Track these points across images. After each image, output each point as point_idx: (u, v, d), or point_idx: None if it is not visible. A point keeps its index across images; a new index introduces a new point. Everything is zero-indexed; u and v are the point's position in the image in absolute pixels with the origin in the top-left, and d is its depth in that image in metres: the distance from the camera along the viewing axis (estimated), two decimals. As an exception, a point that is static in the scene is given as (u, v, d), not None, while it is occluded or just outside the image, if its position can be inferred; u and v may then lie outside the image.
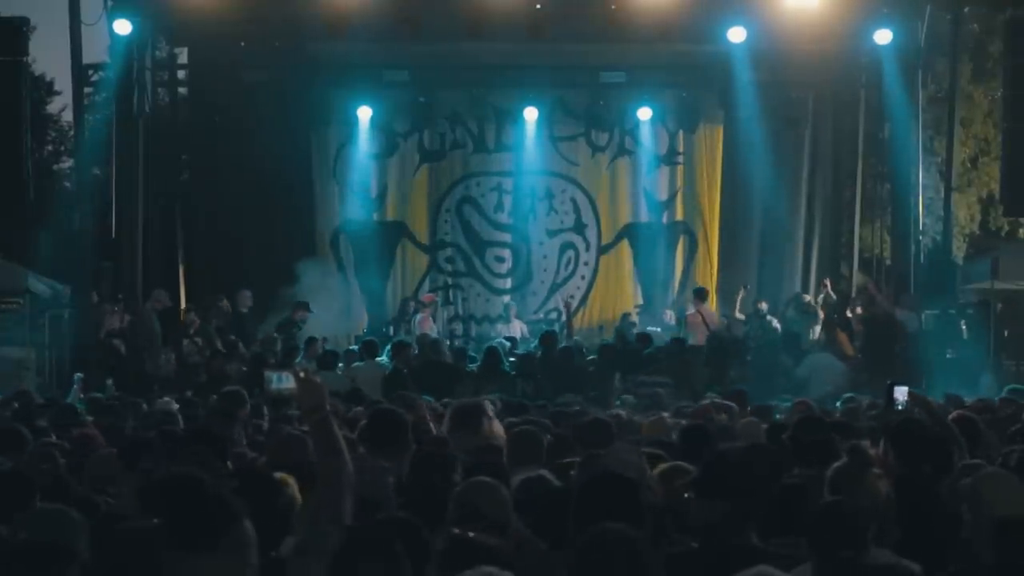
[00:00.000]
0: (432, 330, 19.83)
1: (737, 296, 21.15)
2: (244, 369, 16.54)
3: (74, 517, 4.33)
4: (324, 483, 4.88)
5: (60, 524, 4.27)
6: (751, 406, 11.48)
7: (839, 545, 4.97)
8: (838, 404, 12.15)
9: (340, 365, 16.78)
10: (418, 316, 20.66)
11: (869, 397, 12.54)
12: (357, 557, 4.12)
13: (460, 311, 22.98)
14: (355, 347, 18.21)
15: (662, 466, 5.99)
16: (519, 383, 16.04)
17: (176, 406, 11.25)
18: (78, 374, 14.64)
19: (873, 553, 5.22)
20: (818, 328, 20.41)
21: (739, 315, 20.69)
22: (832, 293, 21.20)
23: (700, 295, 20.82)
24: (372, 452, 6.65)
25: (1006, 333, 19.80)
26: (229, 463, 6.98)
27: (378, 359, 16.53)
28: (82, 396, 13.32)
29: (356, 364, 16.65)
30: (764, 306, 20.81)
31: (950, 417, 8.11)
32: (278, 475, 5.65)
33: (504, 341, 19.32)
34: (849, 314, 20.06)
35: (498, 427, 7.87)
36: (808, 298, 21.34)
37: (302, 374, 5.14)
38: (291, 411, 9.47)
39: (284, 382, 5.15)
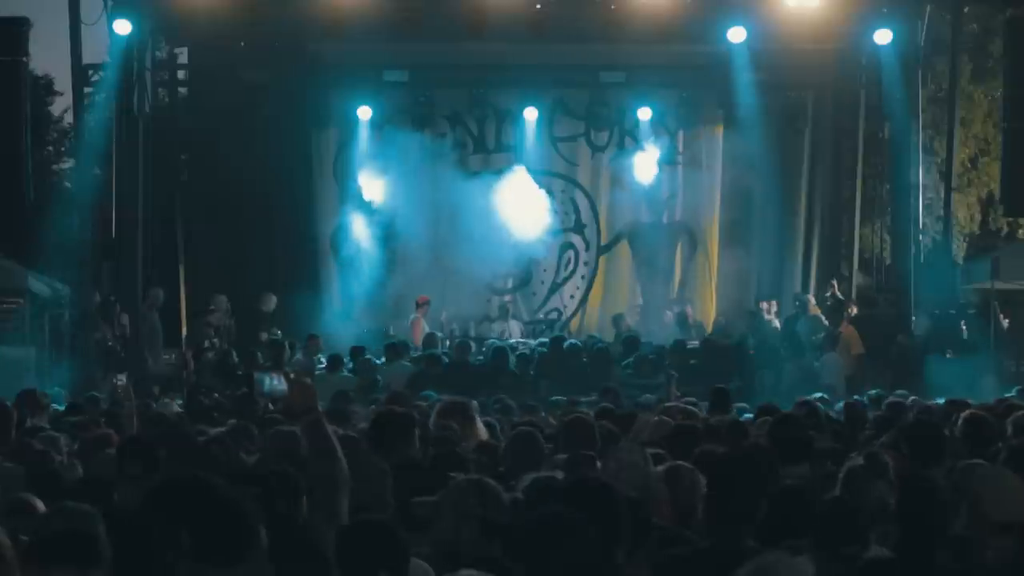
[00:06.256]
0: (424, 331, 19.71)
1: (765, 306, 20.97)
2: (240, 372, 16.58)
3: (95, 514, 4.35)
4: (318, 483, 4.89)
5: (84, 520, 4.29)
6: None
7: (842, 542, 5.03)
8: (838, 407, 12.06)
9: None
10: (412, 317, 20.60)
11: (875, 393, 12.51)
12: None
13: (459, 311, 22.93)
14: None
15: (661, 467, 6.00)
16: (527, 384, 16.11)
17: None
18: (155, 386, 14.33)
19: (873, 551, 5.27)
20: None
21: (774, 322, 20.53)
22: (839, 294, 21.16)
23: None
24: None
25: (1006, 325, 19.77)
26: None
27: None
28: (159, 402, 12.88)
29: (380, 364, 16.74)
30: (764, 305, 20.75)
31: (963, 417, 8.10)
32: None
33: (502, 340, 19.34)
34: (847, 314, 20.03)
35: (480, 428, 8.04)
36: (812, 298, 21.24)
37: (293, 376, 5.16)
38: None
39: (275, 384, 5.16)
